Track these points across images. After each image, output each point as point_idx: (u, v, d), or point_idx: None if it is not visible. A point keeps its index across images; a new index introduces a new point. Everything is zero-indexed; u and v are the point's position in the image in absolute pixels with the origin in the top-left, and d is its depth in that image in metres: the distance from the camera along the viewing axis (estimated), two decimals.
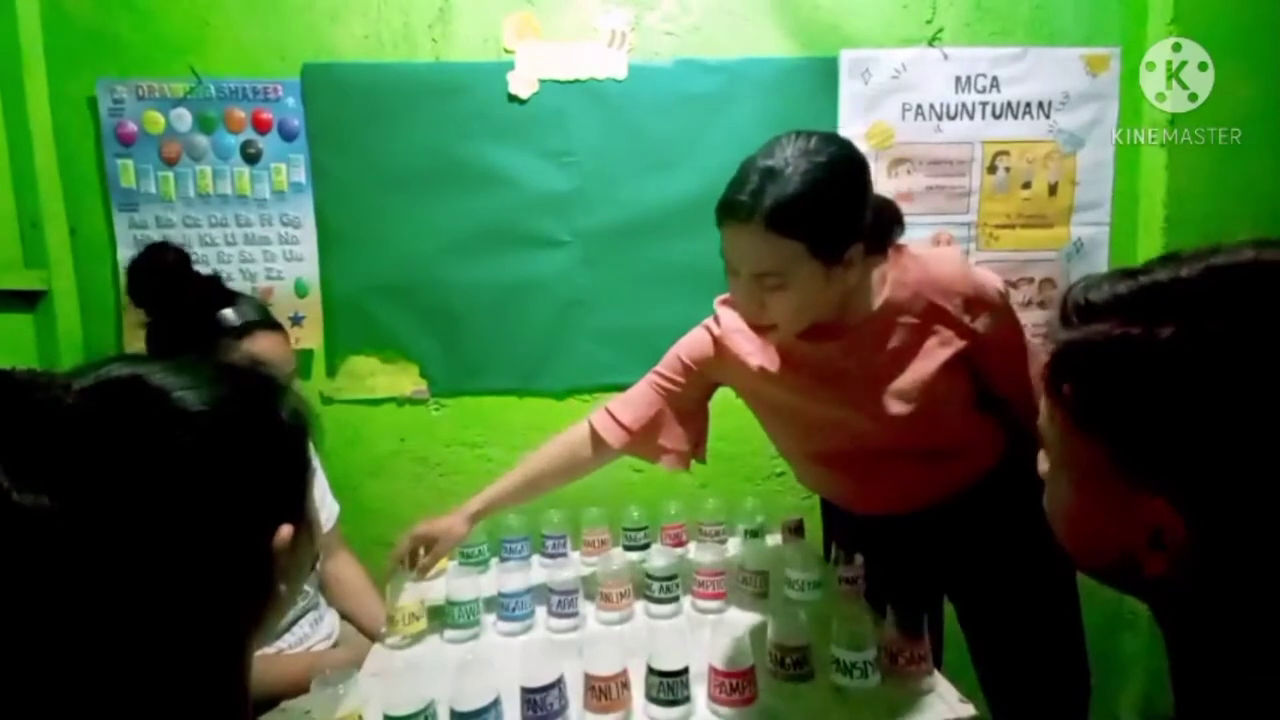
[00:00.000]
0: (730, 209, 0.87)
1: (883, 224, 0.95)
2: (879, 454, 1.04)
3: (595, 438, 1.16)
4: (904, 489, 1.06)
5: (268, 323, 1.16)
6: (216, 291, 1.12)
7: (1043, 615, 1.07)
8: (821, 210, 0.85)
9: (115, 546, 0.37)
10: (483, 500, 1.16)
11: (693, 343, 1.14)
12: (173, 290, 1.07)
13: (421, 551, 1.13)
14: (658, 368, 1.17)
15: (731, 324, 1.07)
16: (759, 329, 0.96)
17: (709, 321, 1.13)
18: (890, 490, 1.07)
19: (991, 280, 0.99)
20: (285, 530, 0.46)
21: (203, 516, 0.41)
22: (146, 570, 0.38)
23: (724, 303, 1.11)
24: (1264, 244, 0.39)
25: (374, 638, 1.15)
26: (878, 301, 0.96)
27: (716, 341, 1.10)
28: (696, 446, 1.20)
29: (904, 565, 1.11)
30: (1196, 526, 0.38)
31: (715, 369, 1.13)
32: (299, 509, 0.50)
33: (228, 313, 1.11)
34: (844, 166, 0.87)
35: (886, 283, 0.97)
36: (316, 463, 0.55)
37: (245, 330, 1.11)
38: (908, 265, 0.98)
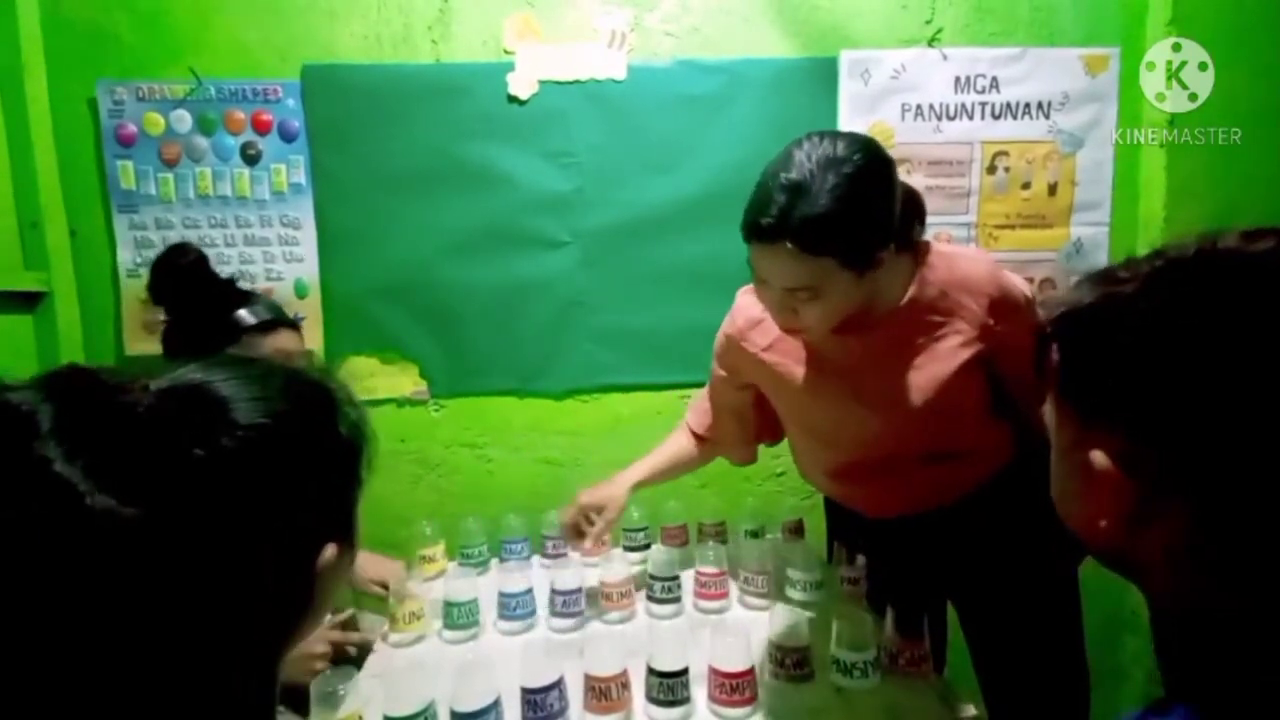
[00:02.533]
0: (757, 231, 0.84)
1: (905, 218, 0.94)
2: (890, 457, 1.03)
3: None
4: (913, 492, 1.06)
5: (287, 320, 1.20)
6: (234, 292, 1.16)
7: (1043, 619, 1.06)
8: (852, 224, 0.83)
9: (168, 556, 0.37)
10: (641, 472, 1.21)
11: (716, 344, 1.16)
12: (193, 290, 1.11)
13: (589, 520, 1.17)
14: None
15: (748, 317, 1.08)
16: (790, 330, 0.96)
17: (726, 319, 1.14)
18: (899, 493, 1.07)
19: (1019, 283, 0.99)
20: (330, 549, 0.46)
21: (254, 531, 0.41)
22: (196, 580, 0.38)
23: (748, 291, 1.10)
24: (1246, 233, 0.40)
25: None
26: (903, 297, 0.95)
27: (729, 341, 1.12)
28: (761, 435, 1.24)
29: (908, 566, 1.11)
30: (1176, 514, 0.39)
31: (736, 368, 1.14)
32: (345, 527, 0.49)
33: (245, 312, 1.14)
34: (871, 172, 0.84)
35: (913, 279, 0.96)
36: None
37: (267, 327, 1.14)
38: (935, 263, 0.97)
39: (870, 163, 0.84)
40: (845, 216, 0.82)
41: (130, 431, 0.37)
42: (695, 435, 1.25)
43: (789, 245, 0.82)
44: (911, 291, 0.95)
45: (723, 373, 1.16)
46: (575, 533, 1.19)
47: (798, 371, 1.04)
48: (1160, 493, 0.40)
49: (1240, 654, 0.38)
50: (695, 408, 1.26)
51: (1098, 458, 0.42)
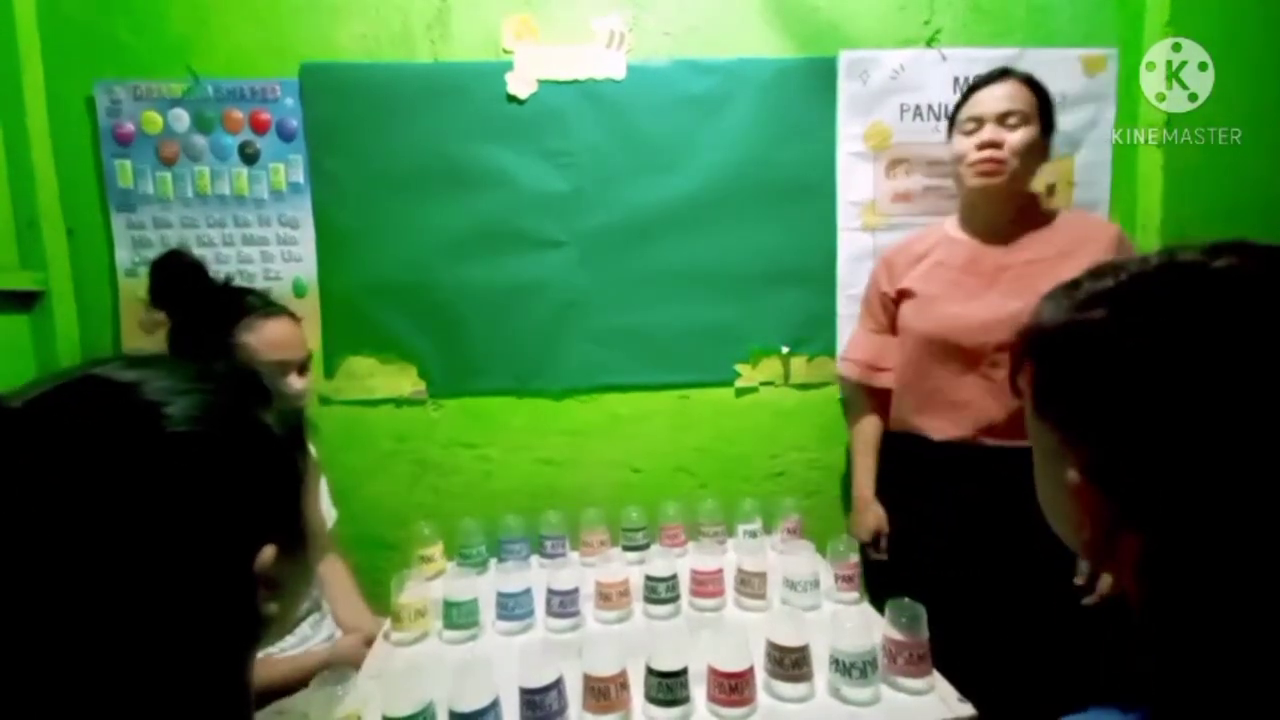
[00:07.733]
0: (991, 75, 1.28)
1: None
2: (999, 360, 1.20)
3: (864, 395, 1.48)
4: (996, 409, 1.21)
5: (288, 310, 1.22)
6: (234, 289, 1.18)
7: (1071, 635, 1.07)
8: (1046, 90, 1.29)
9: (63, 570, 0.35)
10: (871, 480, 1.44)
11: (873, 274, 1.48)
12: (194, 290, 1.13)
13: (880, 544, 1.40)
14: (863, 319, 1.52)
15: (910, 252, 1.39)
16: (988, 163, 1.23)
17: (889, 251, 1.47)
18: (984, 407, 1.22)
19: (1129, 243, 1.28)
20: (268, 551, 0.43)
21: (161, 544, 0.38)
22: (98, 597, 0.36)
23: (908, 238, 1.47)
24: (1203, 246, 0.41)
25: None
26: (1045, 216, 1.30)
27: (893, 260, 1.42)
28: None
29: (945, 549, 1.23)
30: (1135, 512, 0.40)
31: (894, 276, 1.40)
32: (288, 525, 0.47)
33: (245, 300, 1.16)
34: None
35: (1043, 208, 1.33)
36: (316, 469, 0.52)
37: (269, 312, 1.16)
38: (1068, 213, 1.34)
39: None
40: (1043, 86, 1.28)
41: None
42: (875, 385, 1.44)
43: (1013, 80, 1.25)
44: (1044, 218, 1.29)
45: (884, 289, 1.42)
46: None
47: (945, 274, 1.32)
48: (1130, 505, 0.40)
49: (1206, 657, 0.38)
50: (858, 360, 1.47)
51: (1072, 470, 0.43)
